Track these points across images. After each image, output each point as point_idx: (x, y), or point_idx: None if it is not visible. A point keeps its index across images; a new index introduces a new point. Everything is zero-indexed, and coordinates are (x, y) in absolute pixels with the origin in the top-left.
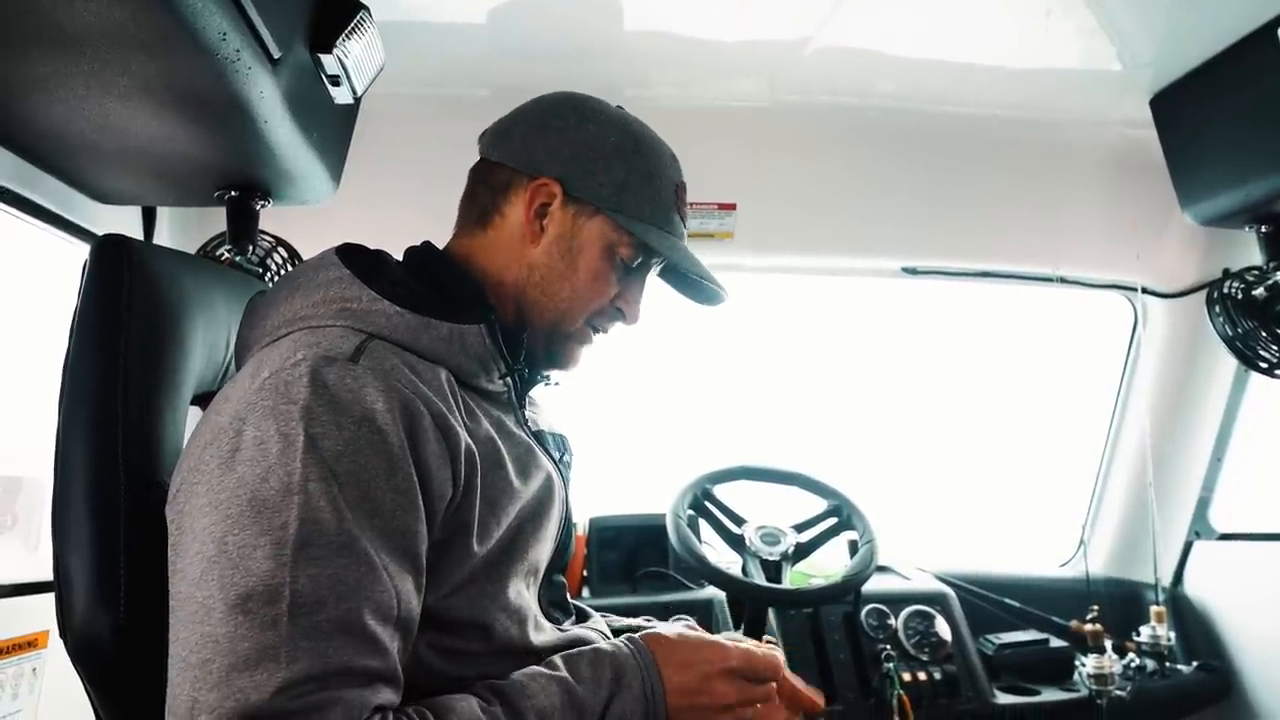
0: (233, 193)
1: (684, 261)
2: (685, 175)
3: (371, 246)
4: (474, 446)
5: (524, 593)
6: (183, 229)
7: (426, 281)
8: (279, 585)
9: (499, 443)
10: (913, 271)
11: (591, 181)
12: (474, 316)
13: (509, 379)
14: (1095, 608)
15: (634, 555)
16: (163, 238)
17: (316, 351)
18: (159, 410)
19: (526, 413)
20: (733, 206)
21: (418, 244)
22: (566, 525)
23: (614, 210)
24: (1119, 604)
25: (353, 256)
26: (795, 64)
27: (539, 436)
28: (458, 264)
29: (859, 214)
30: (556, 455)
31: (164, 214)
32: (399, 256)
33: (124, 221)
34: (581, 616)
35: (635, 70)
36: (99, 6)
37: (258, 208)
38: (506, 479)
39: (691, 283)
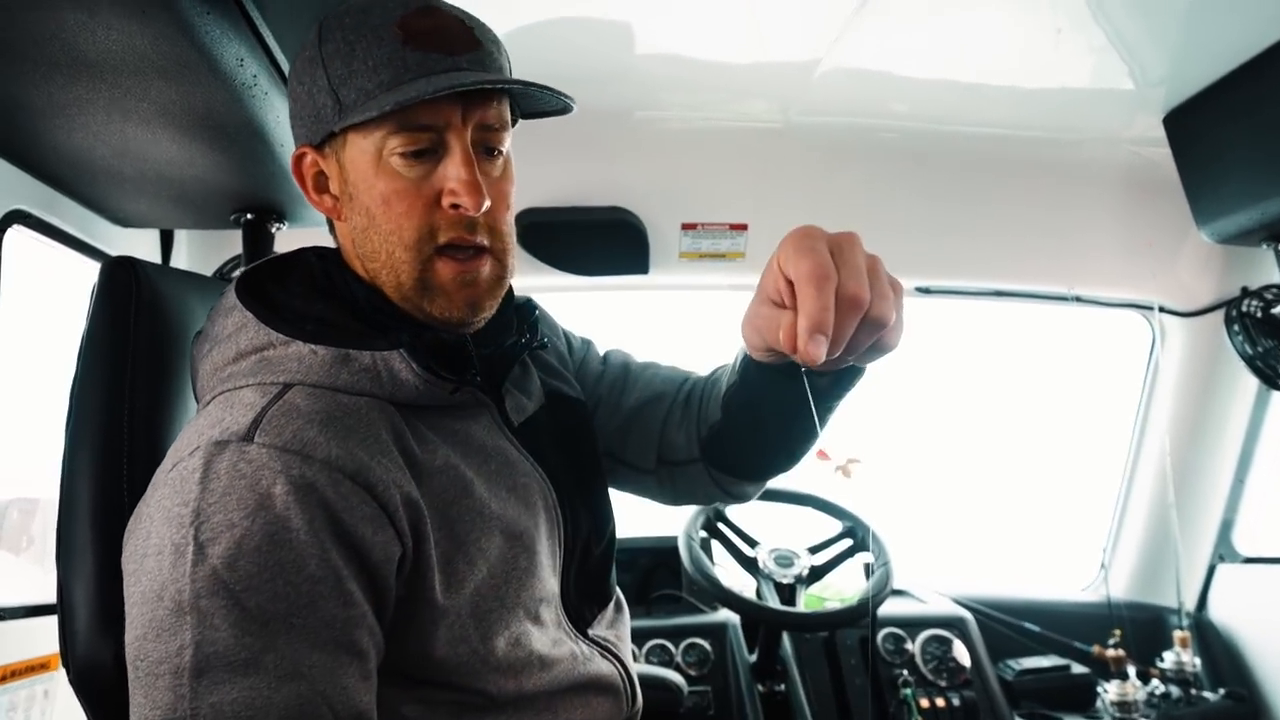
0: (248, 215)
1: (426, 89)
2: (696, 196)
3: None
4: (416, 493)
5: (524, 638)
6: (200, 252)
7: (337, 301)
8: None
9: (462, 468)
10: (926, 291)
11: (314, 115)
12: (389, 340)
13: (467, 387)
14: (1117, 632)
15: (648, 577)
16: (180, 260)
17: (211, 435)
18: (166, 434)
19: (535, 382)
20: (744, 227)
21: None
22: (585, 517)
23: (342, 119)
24: (1142, 629)
25: (258, 287)
26: (805, 85)
27: (529, 429)
28: (352, 270)
29: (871, 233)
30: (571, 421)
31: (181, 237)
32: None
33: (142, 244)
34: (617, 604)
35: (647, 93)
36: (120, 34)
37: (273, 230)
38: (476, 507)
39: (540, 100)
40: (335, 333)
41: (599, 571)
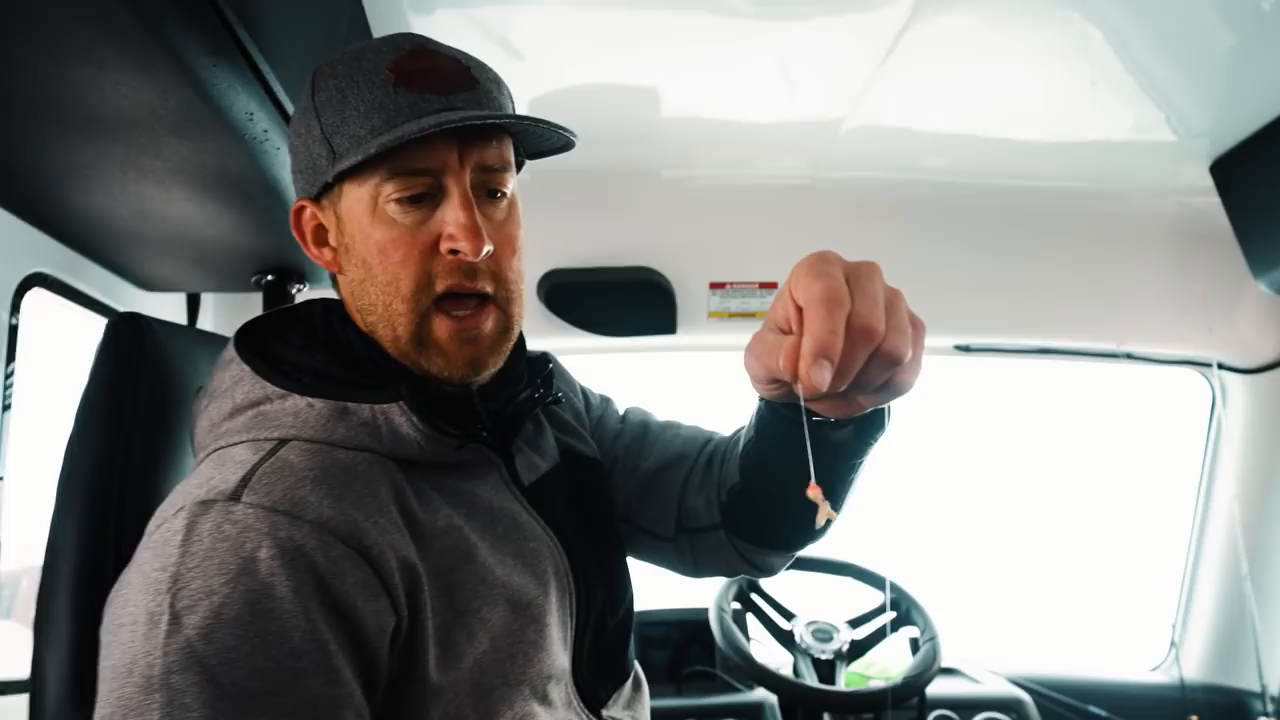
0: (269, 277)
1: (413, 130)
2: (724, 254)
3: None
4: (415, 556)
5: (530, 719)
6: (226, 316)
7: (337, 352)
8: None
9: (466, 530)
10: (966, 349)
11: (310, 166)
12: (388, 393)
13: (473, 443)
14: (1194, 718)
15: (679, 653)
16: (206, 325)
17: (198, 495)
18: (163, 498)
19: (548, 439)
20: (774, 285)
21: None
22: (600, 586)
23: (336, 165)
24: (1221, 714)
25: (260, 340)
26: (831, 142)
27: (541, 489)
28: (353, 323)
29: (907, 289)
30: (583, 484)
31: (208, 301)
32: None
33: (167, 309)
34: (635, 681)
35: (674, 153)
36: (128, 89)
37: (294, 291)
38: (479, 574)
39: (542, 137)
40: (333, 385)
41: (615, 646)
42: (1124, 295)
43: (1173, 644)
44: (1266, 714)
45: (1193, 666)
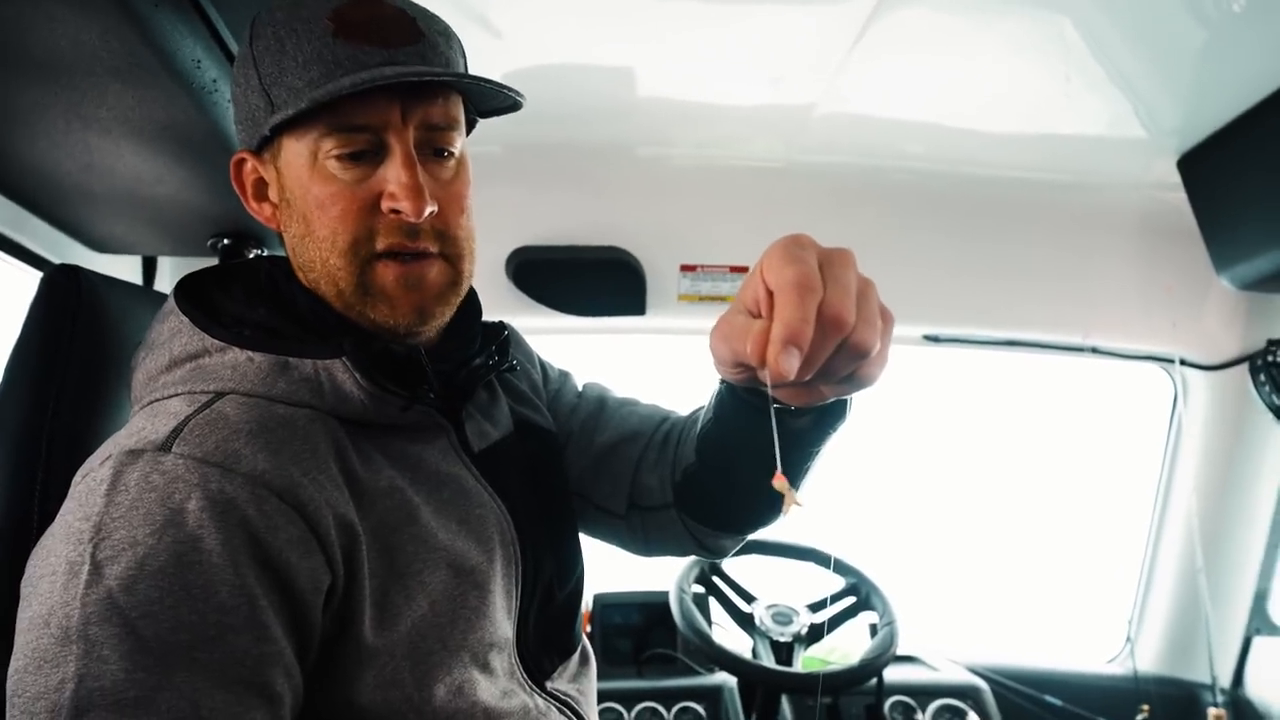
0: (225, 241)
1: (345, 84)
2: (696, 237)
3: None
4: (354, 515)
5: (468, 686)
6: None
7: (280, 306)
8: None
9: (409, 492)
10: (935, 339)
11: (250, 117)
12: (331, 348)
13: (421, 405)
14: (1145, 708)
15: (642, 635)
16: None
17: (125, 445)
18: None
19: (502, 408)
20: (745, 269)
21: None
22: (549, 558)
23: (273, 118)
24: (1172, 705)
25: (198, 292)
26: (805, 127)
27: (491, 457)
28: (298, 279)
29: (877, 277)
30: (540, 455)
31: (165, 266)
32: None
33: (122, 272)
34: (583, 656)
35: (649, 132)
36: (67, 28)
37: (252, 257)
38: (420, 535)
39: (491, 95)
40: (275, 339)
41: (563, 618)
42: (1092, 289)
43: (1129, 638)
44: (1216, 705)
45: (1147, 659)
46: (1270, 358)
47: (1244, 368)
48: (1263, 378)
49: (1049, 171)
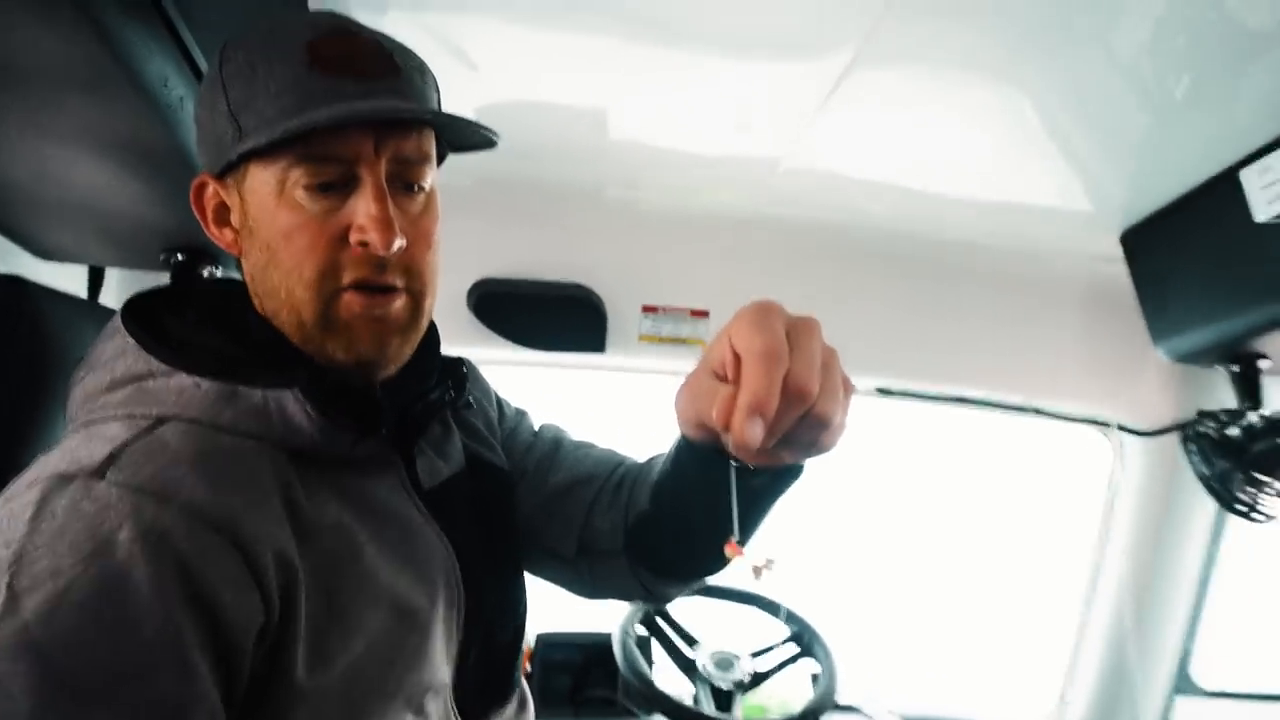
0: (179, 256)
1: (322, 116)
2: (659, 279)
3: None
4: (293, 551)
5: None
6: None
7: (234, 333)
8: None
9: (354, 530)
10: (887, 392)
11: (215, 142)
12: (285, 378)
13: (374, 439)
14: None
15: (581, 675)
16: (109, 302)
17: (56, 468)
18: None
19: (455, 444)
20: (706, 314)
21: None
22: (492, 598)
23: (242, 144)
24: None
25: (147, 312)
26: (770, 181)
27: (441, 495)
28: (253, 307)
29: (833, 329)
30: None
31: (112, 278)
32: None
33: (68, 282)
34: (521, 701)
35: (618, 174)
36: (28, 34)
37: (205, 274)
38: (363, 574)
39: (464, 132)
40: (225, 366)
41: (503, 662)
42: (1036, 352)
43: (1061, 696)
44: None
45: (1078, 716)
46: (1199, 428)
47: (1176, 436)
48: (1192, 446)
49: (1001, 238)
